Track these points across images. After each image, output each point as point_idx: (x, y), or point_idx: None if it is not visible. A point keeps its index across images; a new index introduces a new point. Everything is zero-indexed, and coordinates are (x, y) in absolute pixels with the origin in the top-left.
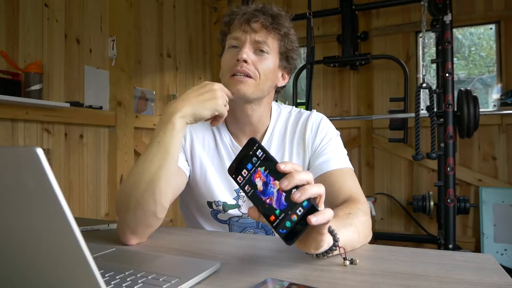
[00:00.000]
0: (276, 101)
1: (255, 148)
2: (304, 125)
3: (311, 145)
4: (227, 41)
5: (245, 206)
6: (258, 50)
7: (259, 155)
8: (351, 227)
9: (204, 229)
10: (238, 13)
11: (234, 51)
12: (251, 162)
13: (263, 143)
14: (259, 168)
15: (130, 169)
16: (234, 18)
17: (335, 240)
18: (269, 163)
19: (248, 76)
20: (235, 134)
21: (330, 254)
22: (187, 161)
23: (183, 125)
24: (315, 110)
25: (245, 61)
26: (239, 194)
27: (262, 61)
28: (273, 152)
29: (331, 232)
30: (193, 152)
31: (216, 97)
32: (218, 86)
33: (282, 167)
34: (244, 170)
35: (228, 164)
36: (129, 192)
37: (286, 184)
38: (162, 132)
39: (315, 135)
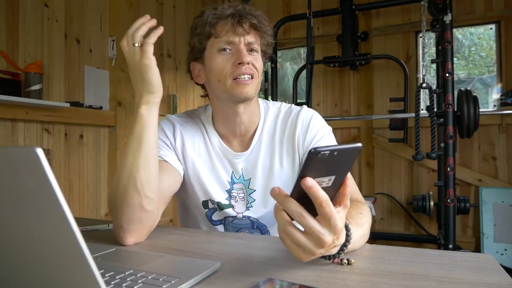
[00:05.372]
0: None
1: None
2: (294, 122)
3: (302, 144)
4: (217, 44)
5: (238, 206)
6: (250, 50)
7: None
8: (362, 228)
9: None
10: (222, 15)
11: (228, 54)
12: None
13: (253, 144)
14: None
15: None
16: (218, 20)
17: (346, 241)
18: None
19: (252, 76)
20: (224, 136)
21: (337, 257)
22: (179, 161)
23: (150, 110)
24: (305, 106)
25: (248, 63)
26: (231, 194)
27: (257, 60)
28: (263, 153)
29: (347, 235)
30: (184, 153)
31: (141, 63)
32: (133, 58)
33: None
34: None
35: (218, 165)
36: (114, 190)
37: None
38: (134, 124)
39: (306, 132)
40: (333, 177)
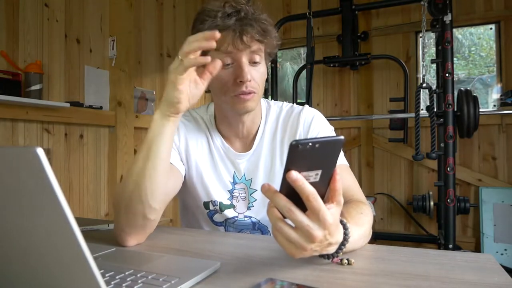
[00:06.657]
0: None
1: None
2: (295, 122)
3: None
4: (217, 57)
5: (240, 206)
6: (252, 62)
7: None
8: (362, 228)
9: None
10: (223, 26)
11: (230, 69)
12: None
13: (255, 145)
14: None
15: None
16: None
17: (344, 240)
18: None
19: (253, 93)
20: (227, 137)
21: (336, 257)
22: (182, 161)
23: (163, 120)
24: (307, 106)
25: (249, 80)
26: (233, 194)
27: (259, 72)
28: (264, 153)
29: (344, 234)
30: (188, 153)
31: (170, 77)
32: (171, 67)
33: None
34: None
35: (221, 165)
36: (119, 194)
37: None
38: (148, 132)
39: (307, 132)
40: (319, 172)
